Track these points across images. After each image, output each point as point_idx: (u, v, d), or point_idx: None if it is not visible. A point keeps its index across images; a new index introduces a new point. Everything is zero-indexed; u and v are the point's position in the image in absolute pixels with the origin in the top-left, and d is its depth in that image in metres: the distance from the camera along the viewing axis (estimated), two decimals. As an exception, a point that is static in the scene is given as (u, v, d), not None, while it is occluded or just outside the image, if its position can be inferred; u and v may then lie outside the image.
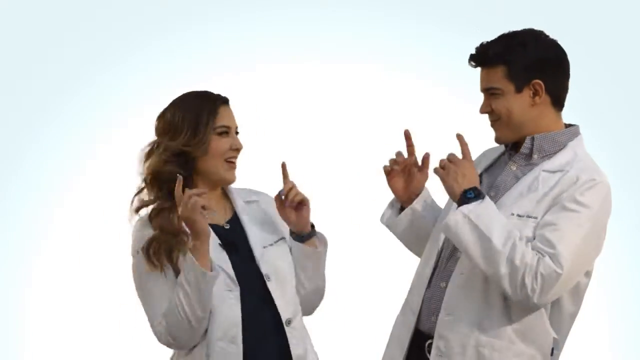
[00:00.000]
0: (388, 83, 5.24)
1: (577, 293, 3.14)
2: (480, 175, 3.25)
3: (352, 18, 5.55)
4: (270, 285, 3.14)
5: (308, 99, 5.30)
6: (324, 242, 3.32)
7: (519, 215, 3.06)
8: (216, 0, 5.34)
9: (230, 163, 3.20)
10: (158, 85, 5.23)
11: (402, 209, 3.38)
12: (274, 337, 3.14)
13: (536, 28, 3.21)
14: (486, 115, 3.20)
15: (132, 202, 3.21)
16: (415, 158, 3.34)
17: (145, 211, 3.15)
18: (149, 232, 3.08)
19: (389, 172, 3.33)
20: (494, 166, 3.28)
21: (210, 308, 3.05)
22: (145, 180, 3.17)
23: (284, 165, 3.26)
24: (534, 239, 3.02)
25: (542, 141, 3.15)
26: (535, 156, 3.16)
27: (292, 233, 3.27)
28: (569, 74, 3.21)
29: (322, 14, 5.47)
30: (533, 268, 2.96)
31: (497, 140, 3.21)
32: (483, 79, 3.18)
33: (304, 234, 3.26)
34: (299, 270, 3.26)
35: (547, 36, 3.19)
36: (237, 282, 3.12)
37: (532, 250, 2.98)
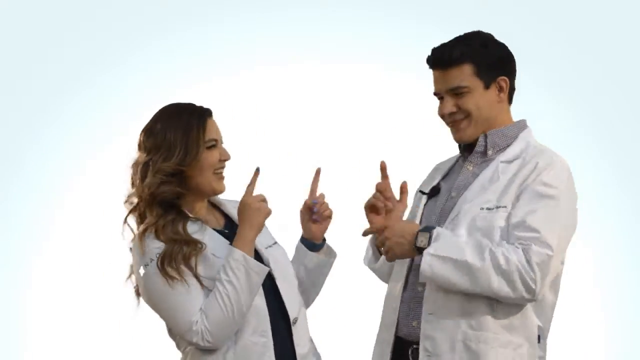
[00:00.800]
0: (388, 83, 5.24)
1: (555, 281, 3.16)
2: (438, 184, 3.31)
3: (352, 18, 5.56)
4: (279, 283, 3.17)
5: (308, 99, 5.30)
6: (334, 253, 3.38)
7: (488, 209, 3.10)
8: (216, 0, 5.34)
9: (219, 174, 3.20)
10: (158, 85, 5.24)
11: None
12: (283, 334, 3.16)
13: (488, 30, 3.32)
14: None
15: (126, 219, 3.30)
16: (393, 194, 3.34)
17: (138, 226, 3.20)
18: (159, 245, 3.08)
19: (370, 206, 3.31)
20: (450, 173, 3.34)
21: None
22: (143, 201, 3.19)
23: (318, 172, 3.35)
24: (508, 228, 3.05)
25: (495, 137, 3.23)
26: (490, 152, 3.23)
27: (304, 241, 3.32)
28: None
29: (322, 14, 5.47)
30: (524, 262, 2.98)
31: (460, 139, 3.26)
32: (446, 80, 3.22)
33: (318, 244, 3.33)
34: (307, 277, 3.31)
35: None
36: None
37: (512, 245, 3.00)
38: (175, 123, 3.20)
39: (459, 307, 3.09)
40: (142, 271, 3.11)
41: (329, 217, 3.31)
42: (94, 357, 5.08)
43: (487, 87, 3.21)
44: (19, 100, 5.11)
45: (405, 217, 3.35)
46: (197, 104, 3.25)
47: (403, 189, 3.32)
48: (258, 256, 3.18)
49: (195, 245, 3.06)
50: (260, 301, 3.12)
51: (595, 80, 5.58)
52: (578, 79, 5.58)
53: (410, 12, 5.68)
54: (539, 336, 3.12)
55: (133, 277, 3.24)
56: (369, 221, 3.31)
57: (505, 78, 3.24)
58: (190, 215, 3.16)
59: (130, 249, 3.25)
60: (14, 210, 5.04)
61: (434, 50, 3.26)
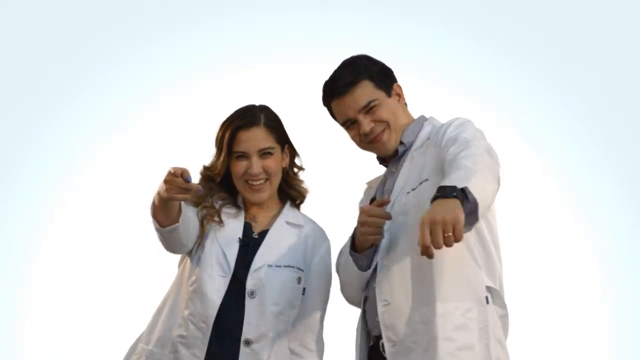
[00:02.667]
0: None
1: (494, 238, 3.22)
2: (374, 196, 3.37)
3: (352, 18, 5.56)
4: (248, 301, 3.24)
5: (308, 99, 5.29)
6: None
7: (412, 189, 3.18)
8: (216, 0, 5.34)
9: (252, 185, 3.32)
10: (158, 85, 5.24)
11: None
12: (232, 344, 3.25)
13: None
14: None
15: None
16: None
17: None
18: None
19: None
20: (384, 183, 3.39)
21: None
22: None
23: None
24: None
25: (407, 136, 3.33)
26: (399, 150, 3.36)
27: None
28: None
29: (322, 14, 5.47)
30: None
31: (387, 151, 3.34)
32: (355, 101, 3.31)
33: None
34: None
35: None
36: (232, 271, 3.24)
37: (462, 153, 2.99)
38: (221, 127, 3.36)
39: (408, 289, 3.14)
40: None
41: None
42: (93, 357, 5.08)
43: (389, 95, 3.34)
44: (19, 100, 5.11)
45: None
46: (254, 106, 3.40)
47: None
48: (245, 272, 3.27)
49: (207, 207, 3.32)
50: (219, 290, 3.22)
51: (596, 80, 5.58)
52: (578, 79, 5.58)
53: (410, 12, 5.68)
54: (487, 297, 3.13)
55: None
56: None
57: (398, 84, 3.39)
58: (238, 203, 3.38)
59: None
60: (13, 209, 5.04)
61: (329, 83, 3.37)
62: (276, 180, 3.39)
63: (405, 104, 3.43)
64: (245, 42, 5.35)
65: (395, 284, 3.16)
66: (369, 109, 3.30)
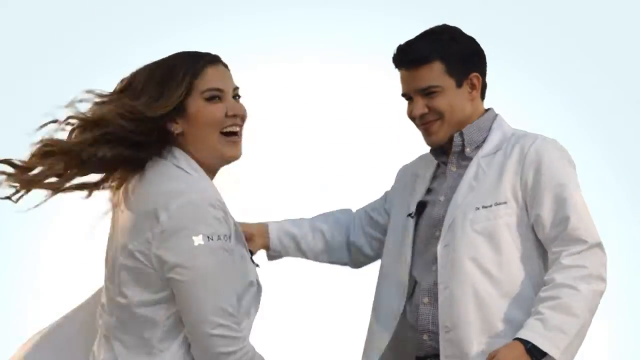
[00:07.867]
0: (388, 83, 5.24)
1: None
2: (424, 198, 3.16)
3: (352, 18, 5.57)
4: None
5: (308, 99, 5.30)
6: None
7: (485, 207, 3.00)
8: (216, 0, 5.35)
9: (230, 135, 2.53)
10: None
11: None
12: None
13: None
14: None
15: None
16: None
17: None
18: (226, 228, 2.47)
19: None
20: (436, 179, 3.20)
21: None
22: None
23: None
24: (517, 223, 2.97)
25: (471, 133, 3.12)
26: (467, 149, 3.12)
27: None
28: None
29: (323, 15, 5.47)
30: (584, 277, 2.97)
31: (434, 142, 3.13)
32: (415, 79, 3.06)
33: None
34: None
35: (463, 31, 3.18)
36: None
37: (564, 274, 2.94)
38: (165, 63, 2.57)
39: (477, 319, 3.02)
40: (201, 241, 2.44)
41: None
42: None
43: (459, 85, 3.09)
44: (19, 101, 5.11)
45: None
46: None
47: None
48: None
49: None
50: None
51: (596, 80, 5.57)
52: (578, 79, 5.57)
53: (410, 12, 5.68)
54: None
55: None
56: None
57: (477, 74, 3.13)
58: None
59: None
60: (12, 209, 5.03)
61: (400, 48, 3.10)
62: None
63: (482, 96, 3.20)
64: (245, 42, 5.35)
65: (457, 311, 2.97)
66: (427, 93, 3.06)
